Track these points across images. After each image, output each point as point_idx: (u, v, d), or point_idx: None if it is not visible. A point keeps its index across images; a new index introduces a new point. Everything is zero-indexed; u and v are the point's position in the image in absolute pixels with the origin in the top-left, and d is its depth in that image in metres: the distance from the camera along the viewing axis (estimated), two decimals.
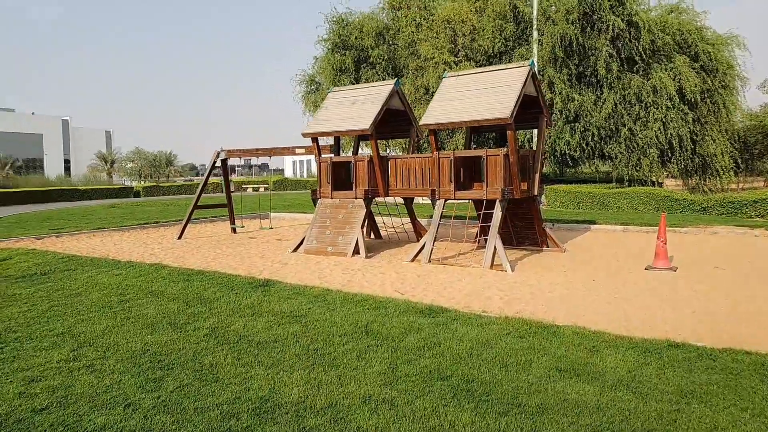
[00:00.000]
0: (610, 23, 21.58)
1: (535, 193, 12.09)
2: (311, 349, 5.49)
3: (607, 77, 22.27)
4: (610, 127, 22.56)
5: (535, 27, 23.19)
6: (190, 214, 16.34)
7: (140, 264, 10.26)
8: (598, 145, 23.21)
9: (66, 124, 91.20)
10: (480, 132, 13.93)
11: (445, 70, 23.53)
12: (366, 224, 15.47)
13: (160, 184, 41.01)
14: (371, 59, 27.12)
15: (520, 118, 12.77)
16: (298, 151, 15.00)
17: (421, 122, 11.73)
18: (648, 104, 22.00)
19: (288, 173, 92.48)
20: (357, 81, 26.95)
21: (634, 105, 22.22)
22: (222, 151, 16.54)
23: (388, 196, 13.22)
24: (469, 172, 12.65)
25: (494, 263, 10.66)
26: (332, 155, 13.85)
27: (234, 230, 17.35)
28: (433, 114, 11.75)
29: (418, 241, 14.41)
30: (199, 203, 16.68)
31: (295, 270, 10.50)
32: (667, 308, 7.26)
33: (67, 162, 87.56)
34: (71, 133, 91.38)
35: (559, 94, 22.91)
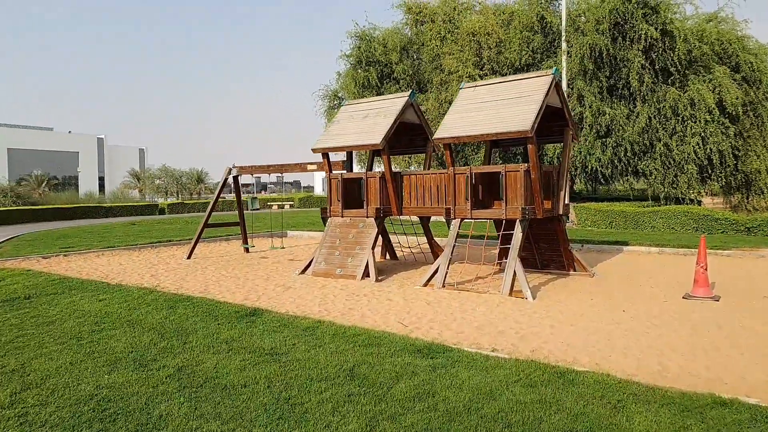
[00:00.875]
0: (643, 32, 20.50)
1: (560, 212, 11.11)
2: (282, 398, 4.68)
3: (641, 89, 21.13)
4: (644, 142, 21.34)
5: (563, 38, 22.26)
6: (200, 233, 15.78)
7: (131, 288, 9.63)
8: (631, 161, 21.99)
9: (101, 142, 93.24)
10: (501, 146, 13.04)
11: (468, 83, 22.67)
12: (381, 244, 14.68)
13: (185, 202, 40.95)
14: (395, 74, 26.50)
15: (544, 131, 11.87)
16: (309, 167, 14.33)
17: (435, 136, 10.93)
18: (685, 118, 20.75)
19: (318, 190, 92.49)
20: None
21: (670, 119, 20.98)
22: (234, 167, 15.99)
23: (401, 214, 12.39)
24: (488, 190, 11.76)
25: (514, 289, 9.71)
26: (344, 171, 13.13)
27: (246, 250, 16.73)
28: (447, 127, 10.93)
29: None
30: (210, 222, 16.13)
31: (297, 295, 9.73)
32: (709, 348, 6.22)
33: (101, 179, 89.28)
34: (106, 151, 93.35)
35: (589, 107, 21.83)
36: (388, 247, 14.55)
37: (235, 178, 16.23)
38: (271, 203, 39.10)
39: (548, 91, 10.24)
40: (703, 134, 20.50)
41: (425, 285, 10.65)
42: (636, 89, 21.25)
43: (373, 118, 12.38)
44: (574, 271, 11.74)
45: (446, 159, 11.24)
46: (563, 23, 22.28)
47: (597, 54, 21.42)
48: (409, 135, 13.46)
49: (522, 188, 10.16)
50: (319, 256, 12.40)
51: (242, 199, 17.22)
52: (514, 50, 23.94)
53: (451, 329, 7.24)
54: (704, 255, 9.27)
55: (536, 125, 9.79)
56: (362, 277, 11.48)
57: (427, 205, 12.00)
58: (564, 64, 22.23)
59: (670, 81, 21.38)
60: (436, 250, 13.76)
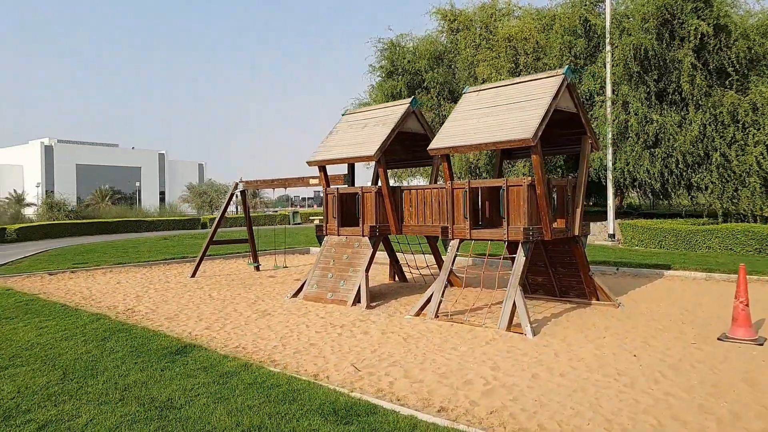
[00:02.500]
0: (692, 28, 18.51)
1: (576, 232, 9.63)
2: None
3: (693, 94, 19.08)
4: (698, 153, 19.24)
5: (608, 40, 20.54)
6: (205, 250, 15.13)
7: (86, 314, 8.86)
8: (684, 173, 19.89)
9: (162, 157, 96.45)
10: (514, 156, 11.67)
11: None
12: (389, 264, 13.52)
13: (227, 216, 41.03)
14: (425, 83, 25.35)
15: (558, 139, 10.47)
16: (312, 181, 13.41)
17: (430, 146, 9.74)
18: (746, 124, 18.54)
19: None
20: None
21: (728, 126, 18.81)
22: (240, 182, 15.29)
23: (400, 233, 11.22)
24: (496, 207, 10.42)
25: (513, 323, 8.35)
26: (343, 186, 12.09)
27: (257, 268, 15.94)
28: (443, 136, 9.73)
29: (448, 286, 12.24)
30: (222, 239, 15.47)
31: (267, 324, 8.73)
32: (727, 419, 4.74)
33: (162, 194, 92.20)
34: (167, 166, 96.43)
35: (635, 114, 19.93)
36: (395, 267, 13.38)
37: (243, 193, 15.51)
38: (313, 217, 38.63)
39: (557, 93, 8.87)
40: None
41: (416, 315, 9.42)
42: (688, 93, 19.22)
43: (371, 128, 11.32)
44: (597, 300, 10.20)
45: (444, 172, 10.02)
46: (607, 24, 20.58)
47: (642, 55, 19.56)
48: (413, 146, 12.31)
49: (526, 205, 8.80)
50: (312, 278, 11.39)
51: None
52: (554, 56, 22.33)
53: (410, 376, 6.02)
54: (744, 287, 7.62)
55: (540, 133, 8.44)
56: (353, 303, 10.38)
57: (428, 223, 10.79)
58: (608, 68, 20.49)
59: (727, 83, 19.23)
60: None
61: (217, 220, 15.41)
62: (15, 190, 72.66)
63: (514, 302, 8.42)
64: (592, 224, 23.55)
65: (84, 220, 33.89)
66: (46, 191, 79.83)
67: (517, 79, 9.85)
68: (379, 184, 10.96)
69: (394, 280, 13.52)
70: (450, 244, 9.85)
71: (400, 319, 9.22)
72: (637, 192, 25.75)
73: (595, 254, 16.78)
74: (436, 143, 9.68)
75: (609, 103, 20.63)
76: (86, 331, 7.52)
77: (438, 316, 9.24)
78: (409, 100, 11.31)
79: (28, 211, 53.34)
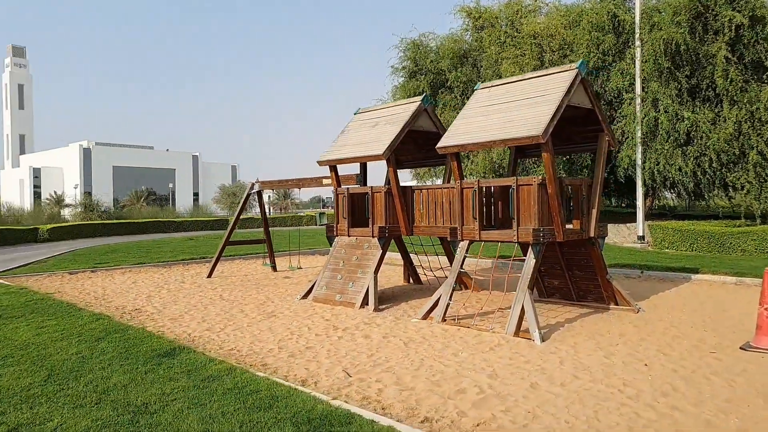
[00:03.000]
0: (727, 20, 17.71)
1: (591, 234, 9.20)
2: None
3: (728, 89, 18.24)
4: (733, 151, 18.39)
5: (637, 35, 19.85)
6: (221, 251, 15.11)
7: (88, 314, 8.83)
8: (718, 172, 19.05)
9: (196, 159, 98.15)
10: (528, 155, 11.27)
11: None
12: (403, 266, 13.25)
13: (255, 217, 41.31)
14: (449, 83, 24.97)
15: (575, 137, 10.06)
16: (324, 181, 13.23)
17: (438, 144, 9.45)
18: None
19: None
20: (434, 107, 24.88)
21: (766, 123, 17.94)
22: (256, 182, 15.24)
23: (411, 234, 10.94)
24: (509, 207, 10.04)
25: (521, 329, 8.00)
26: (353, 186, 11.88)
27: (274, 268, 15.87)
28: (452, 134, 9.43)
29: (461, 289, 11.94)
30: (243, 239, 15.46)
31: (269, 326, 8.58)
32: None
33: (195, 195, 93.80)
34: (200, 168, 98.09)
35: (665, 112, 19.19)
36: (410, 269, 13.10)
37: (259, 193, 15.46)
38: None
39: (569, 88, 8.48)
40: None
41: (423, 318, 9.14)
42: (722, 89, 18.38)
43: (382, 127, 11.08)
44: (616, 305, 9.74)
45: (453, 171, 9.71)
46: (637, 18, 19.89)
47: (673, 50, 18.80)
48: (426, 145, 12.02)
49: (536, 205, 8.43)
50: (322, 279, 11.21)
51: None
52: (581, 52, 21.70)
53: (402, 383, 5.76)
54: None
55: (550, 130, 8.07)
56: (361, 305, 10.15)
57: (439, 224, 10.49)
58: (637, 64, 19.81)
59: (765, 77, 18.34)
60: (461, 276, 12.12)
61: (233, 220, 15.38)
62: (55, 192, 74.97)
63: (523, 306, 8.07)
64: (621, 226, 22.80)
65: (115, 221, 34.58)
66: (85, 192, 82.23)
67: (530, 74, 9.48)
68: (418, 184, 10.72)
69: (408, 282, 13.24)
70: (459, 246, 9.54)
71: (407, 322, 8.95)
72: (670, 192, 24.86)
73: (621, 257, 16.18)
74: (444, 141, 9.39)
75: (638, 100, 19.93)
76: (83, 331, 7.48)
77: (445, 320, 8.94)
78: (421, 97, 11.02)
79: (66, 212, 54.82)
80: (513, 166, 10.86)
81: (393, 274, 14.37)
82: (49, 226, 28.29)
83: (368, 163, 12.23)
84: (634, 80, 20.13)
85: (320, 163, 11.58)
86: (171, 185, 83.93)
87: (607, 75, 21.73)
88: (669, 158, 19.52)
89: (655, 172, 19.93)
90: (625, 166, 20.93)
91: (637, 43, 19.79)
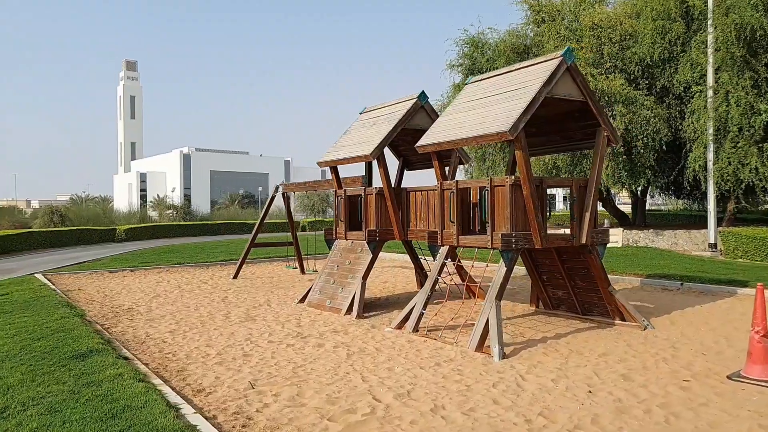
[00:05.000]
0: None
1: (583, 240, 8.26)
2: None
3: None
4: None
5: (710, 21, 17.94)
6: (246, 252, 15.31)
7: (68, 311, 9.08)
8: None
9: (288, 164, 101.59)
10: (535, 152, 10.36)
11: None
12: (414, 271, 12.69)
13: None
14: None
15: (574, 133, 9.13)
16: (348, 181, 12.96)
17: (417, 143, 8.90)
18: None
19: None
20: None
21: None
22: (281, 185, 15.29)
23: (405, 238, 10.43)
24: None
25: (486, 344, 7.31)
26: (353, 188, 11.53)
27: (302, 270, 15.84)
28: (431, 132, 8.86)
29: (469, 297, 11.27)
30: (268, 241, 15.60)
31: (236, 330, 8.45)
32: None
33: (284, 195, 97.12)
34: (292, 172, 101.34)
35: (737, 105, 17.15)
36: (420, 274, 12.52)
37: (284, 196, 15.50)
38: None
39: (549, 79, 7.65)
40: None
41: (397, 327, 8.63)
42: None
43: (378, 126, 10.67)
44: (622, 320, 8.70)
45: (435, 171, 9.12)
46: (709, 2, 17.99)
47: (749, 36, 16.78)
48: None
49: (508, 208, 7.68)
50: (317, 284, 10.97)
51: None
52: (645, 43, 19.94)
53: (299, 398, 5.36)
54: (762, 313, 5.98)
55: (521, 125, 7.31)
56: (346, 312, 9.80)
57: (431, 227, 9.90)
58: (710, 52, 17.90)
59: None
60: (468, 284, 11.40)
61: (258, 222, 15.54)
62: (158, 195, 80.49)
63: (488, 320, 7.36)
64: (696, 232, 20.71)
65: (189, 222, 36.36)
66: (185, 195, 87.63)
67: (517, 65, 8.71)
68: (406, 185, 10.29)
69: (421, 287, 12.66)
70: (439, 251, 8.93)
71: (380, 331, 8.49)
72: (750, 196, 22.30)
73: (675, 266, 14.61)
74: (422, 140, 8.83)
75: (711, 92, 17.99)
76: (36, 329, 7.68)
77: (418, 330, 8.38)
78: (417, 94, 10.49)
79: (168, 213, 58.37)
80: (512, 164, 10.04)
81: (409, 280, 13.86)
82: (125, 227, 30.27)
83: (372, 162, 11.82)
84: (705, 71, 18.21)
85: (320, 164, 11.35)
86: (260, 188, 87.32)
87: (675, 68, 19.83)
88: (743, 157, 17.44)
89: (725, 174, 17.88)
90: (696, 168, 18.96)
91: (710, 29, 17.87)
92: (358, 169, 12.15)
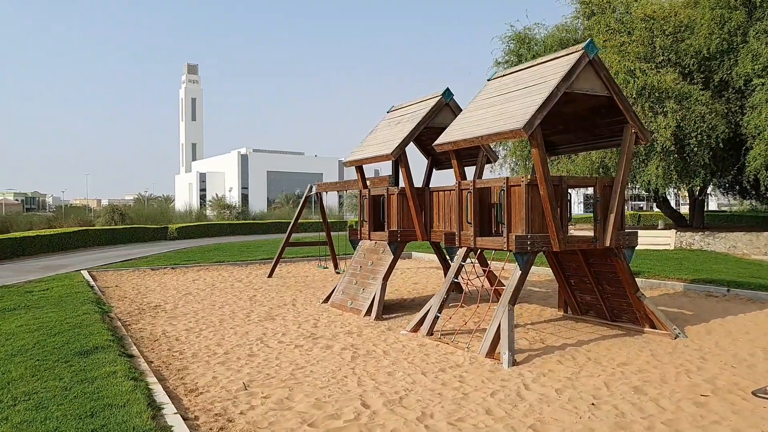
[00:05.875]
0: None
1: (607, 243, 7.81)
2: None
3: None
4: None
5: None
6: (281, 252, 15.45)
7: (94, 308, 9.34)
8: None
9: (341, 164, 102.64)
10: (558, 151, 9.92)
11: (628, 82, 18.51)
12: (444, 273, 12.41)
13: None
14: None
15: (602, 130, 8.67)
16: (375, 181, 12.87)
17: (435, 142, 8.67)
18: None
19: None
20: None
21: None
22: (314, 185, 15.33)
23: (429, 239, 10.21)
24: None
25: (497, 350, 7.03)
26: (378, 187, 11.38)
27: (336, 269, 15.85)
28: (450, 130, 8.62)
29: (497, 300, 10.92)
30: (301, 240, 15.70)
31: (251, 330, 8.49)
32: None
33: (340, 197, 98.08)
34: (344, 172, 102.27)
35: None
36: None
37: (318, 195, 15.54)
38: None
39: (568, 74, 7.28)
40: None
41: (413, 330, 8.44)
42: None
43: (402, 125, 10.50)
44: (652, 327, 8.20)
45: (454, 170, 8.86)
46: None
47: None
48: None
49: (523, 209, 7.36)
50: (340, 284, 10.91)
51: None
52: (702, 34, 18.85)
53: (288, 401, 5.28)
54: None
55: (536, 122, 6.99)
56: (366, 313, 9.68)
57: (454, 228, 9.64)
58: None
59: None
60: (496, 288, 11.04)
61: (292, 222, 15.65)
62: (216, 194, 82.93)
63: (500, 325, 7.07)
64: (754, 234, 19.42)
65: (240, 221, 37.16)
66: (242, 195, 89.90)
67: (540, 60, 8.34)
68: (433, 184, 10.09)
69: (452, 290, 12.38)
70: (457, 253, 8.68)
71: (395, 333, 8.33)
72: None
73: (727, 271, 13.72)
74: (440, 138, 8.60)
75: None
76: (59, 325, 7.92)
77: (432, 333, 8.17)
78: (442, 92, 10.26)
79: (222, 213, 60.01)
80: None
81: (441, 281, 13.60)
82: (177, 226, 31.24)
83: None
84: None
85: (345, 164, 11.29)
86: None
87: (735, 59, 18.66)
88: None
89: None
90: (757, 166, 17.76)
91: None
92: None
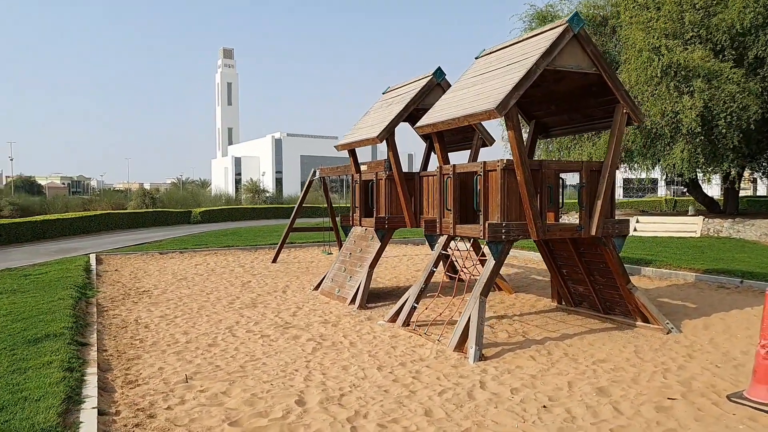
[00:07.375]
0: None
1: (593, 231, 7.31)
2: None
3: None
4: None
5: None
6: (285, 237, 15.30)
7: (75, 294, 9.31)
8: None
9: (375, 149, 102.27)
10: (552, 133, 9.35)
11: (652, 60, 17.53)
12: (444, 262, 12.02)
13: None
14: None
15: (595, 111, 8.11)
16: (363, 168, 12.53)
17: (416, 125, 8.27)
18: None
19: None
20: None
21: None
22: (318, 169, 15.06)
23: (418, 226, 9.84)
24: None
25: (466, 343, 6.67)
26: (367, 171, 11.04)
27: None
28: (431, 112, 8.20)
29: (495, 290, 10.56)
30: (305, 226, 15.53)
31: (224, 317, 8.34)
32: None
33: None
34: (378, 157, 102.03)
35: None
36: (451, 264, 11.84)
37: (322, 180, 15.28)
38: None
39: (548, 50, 6.77)
40: None
41: (390, 320, 8.13)
42: None
43: (392, 107, 10.11)
44: (644, 322, 7.68)
45: (437, 154, 8.45)
46: None
47: None
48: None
49: (500, 195, 6.92)
50: (330, 272, 10.67)
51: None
52: (736, 8, 17.68)
53: (222, 396, 5.07)
54: None
55: (512, 102, 6.52)
56: (351, 301, 9.42)
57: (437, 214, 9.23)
58: None
59: None
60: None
61: (296, 207, 15.45)
62: (251, 179, 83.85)
63: (469, 317, 6.69)
64: None
65: (263, 205, 37.33)
66: (276, 179, 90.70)
67: (526, 35, 7.82)
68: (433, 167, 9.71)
69: (450, 279, 12.01)
70: (437, 241, 8.30)
71: (372, 324, 8.05)
72: None
73: (744, 260, 12.89)
74: (421, 121, 8.18)
75: None
76: (28, 310, 7.88)
77: (409, 324, 7.85)
78: (432, 72, 9.80)
79: (248, 196, 60.58)
80: (530, 146, 9.14)
81: (442, 269, 13.22)
82: (200, 210, 31.55)
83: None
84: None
85: (336, 147, 10.98)
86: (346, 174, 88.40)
87: None
88: None
89: None
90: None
91: None
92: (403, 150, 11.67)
